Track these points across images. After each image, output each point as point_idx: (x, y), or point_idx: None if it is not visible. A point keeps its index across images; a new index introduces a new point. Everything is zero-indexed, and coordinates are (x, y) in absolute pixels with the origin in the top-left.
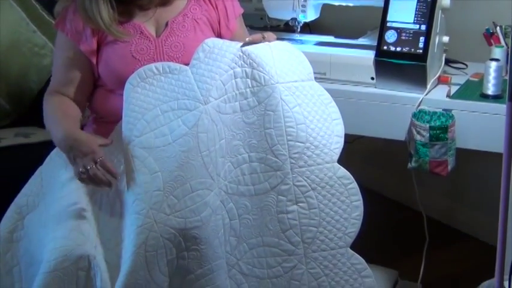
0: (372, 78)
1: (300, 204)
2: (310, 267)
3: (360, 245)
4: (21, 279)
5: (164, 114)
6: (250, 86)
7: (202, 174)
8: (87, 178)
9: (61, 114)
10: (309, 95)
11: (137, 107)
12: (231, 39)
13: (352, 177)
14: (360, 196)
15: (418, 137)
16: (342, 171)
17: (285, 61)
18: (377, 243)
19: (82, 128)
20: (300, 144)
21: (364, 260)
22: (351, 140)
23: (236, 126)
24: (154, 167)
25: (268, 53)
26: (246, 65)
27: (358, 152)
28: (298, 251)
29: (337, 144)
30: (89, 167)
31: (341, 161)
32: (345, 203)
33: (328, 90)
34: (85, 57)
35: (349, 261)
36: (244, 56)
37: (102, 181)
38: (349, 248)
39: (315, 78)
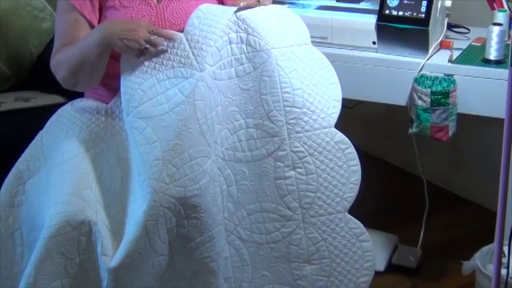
0: (374, 43)
1: (298, 169)
2: (309, 232)
3: (360, 210)
4: (23, 243)
5: (160, 83)
6: (245, 51)
7: (201, 142)
8: (149, 51)
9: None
10: (305, 59)
11: (133, 77)
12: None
13: (349, 142)
14: (357, 161)
15: (419, 102)
16: (340, 136)
17: (280, 25)
18: (377, 209)
19: (83, 92)
20: (296, 109)
21: (362, 225)
22: (351, 105)
23: (232, 92)
24: (153, 136)
25: (264, 18)
26: (241, 31)
27: (359, 117)
28: (296, 216)
29: (335, 109)
30: (151, 38)
31: (341, 126)
32: (342, 168)
33: (329, 54)
34: (88, 22)
35: (347, 226)
36: (239, 21)
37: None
38: (347, 213)
39: (316, 42)
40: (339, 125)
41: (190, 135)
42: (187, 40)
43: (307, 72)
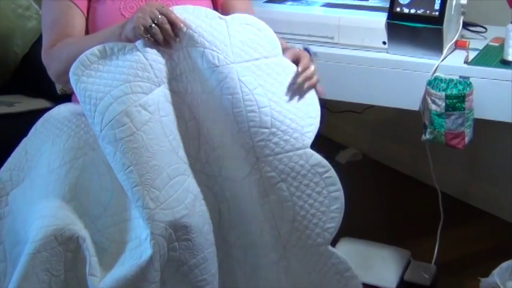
0: (384, 43)
1: (272, 196)
2: (293, 261)
3: (369, 223)
4: (6, 259)
5: (117, 100)
6: (205, 67)
7: (174, 160)
8: (155, 33)
9: (84, 37)
10: (273, 73)
11: (88, 98)
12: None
13: (328, 165)
14: (339, 186)
15: (433, 107)
16: (316, 158)
17: (243, 37)
18: (388, 222)
19: (70, 96)
20: (264, 130)
21: (346, 259)
22: (360, 110)
23: (205, 106)
24: (125, 161)
25: (223, 30)
26: (197, 44)
27: (368, 123)
28: (278, 246)
29: (310, 127)
30: (156, 15)
31: (349, 132)
32: (321, 194)
33: (336, 55)
34: (80, 9)
35: (330, 261)
36: (195, 34)
37: (167, 34)
38: (329, 246)
39: (322, 42)
40: (346, 131)
41: (164, 153)
42: (141, 52)
43: (276, 87)
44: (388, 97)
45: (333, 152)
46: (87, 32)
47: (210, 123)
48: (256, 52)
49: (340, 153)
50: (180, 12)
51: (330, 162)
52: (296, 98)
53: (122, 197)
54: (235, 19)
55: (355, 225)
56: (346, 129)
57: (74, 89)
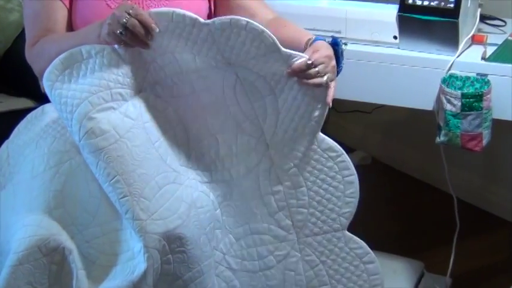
0: (395, 38)
1: (286, 183)
2: (305, 254)
3: (379, 232)
4: None
5: (97, 107)
6: (201, 67)
7: (162, 168)
8: (124, 37)
9: (65, 34)
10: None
11: (64, 105)
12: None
13: (340, 149)
14: (353, 170)
15: (448, 106)
16: (328, 142)
17: (232, 36)
18: (399, 231)
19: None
20: (274, 116)
21: (365, 244)
22: (369, 110)
23: (193, 109)
24: (111, 171)
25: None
26: (186, 47)
27: (378, 124)
28: (290, 236)
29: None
30: (124, 20)
31: (357, 133)
32: (335, 179)
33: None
34: (61, 4)
35: (347, 246)
36: (183, 39)
37: (140, 36)
38: (346, 231)
39: (328, 37)
40: (354, 133)
41: (151, 161)
42: (121, 54)
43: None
44: (399, 96)
45: None
46: (71, 26)
47: (200, 125)
48: (254, 60)
49: None
50: (159, 17)
51: None
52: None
53: (112, 204)
54: (217, 22)
55: (364, 234)
56: (354, 131)
57: (48, 95)
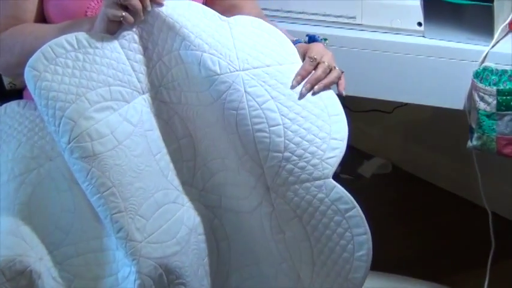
0: (419, 24)
1: (288, 233)
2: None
3: (402, 252)
4: None
5: (95, 106)
6: (203, 75)
7: (163, 184)
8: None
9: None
10: (289, 83)
11: (52, 100)
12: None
13: (353, 200)
14: (365, 228)
15: (481, 105)
16: (338, 191)
17: (250, 40)
18: (424, 251)
19: (21, 91)
20: (275, 154)
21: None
22: (389, 109)
23: (202, 121)
24: (105, 181)
25: (226, 32)
26: (193, 47)
27: (399, 126)
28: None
29: (334, 152)
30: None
31: (376, 137)
32: (344, 237)
33: (358, 40)
34: None
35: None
36: (192, 35)
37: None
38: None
39: (341, 23)
40: (372, 136)
41: (151, 175)
42: (123, 48)
43: (294, 101)
44: (424, 93)
45: (354, 163)
46: (41, 17)
47: (209, 142)
48: (268, 57)
49: (364, 164)
50: (174, 7)
51: (350, 176)
52: (318, 113)
53: (89, 220)
54: (239, 20)
55: (383, 255)
56: (372, 134)
57: (31, 88)
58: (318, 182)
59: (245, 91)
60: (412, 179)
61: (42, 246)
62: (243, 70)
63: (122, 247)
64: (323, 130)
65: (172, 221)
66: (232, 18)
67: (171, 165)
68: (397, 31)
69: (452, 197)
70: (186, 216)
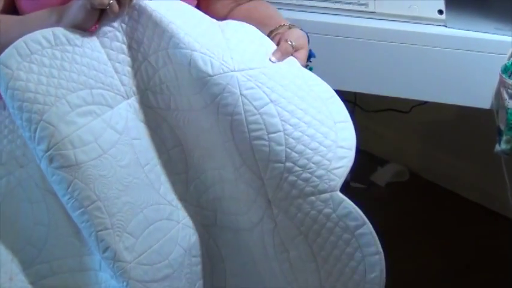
0: (440, 12)
1: (292, 252)
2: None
3: (423, 272)
4: None
5: (77, 109)
6: (194, 76)
7: (153, 198)
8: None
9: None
10: (292, 85)
11: (27, 103)
12: None
13: (362, 216)
14: (378, 247)
15: (510, 104)
16: (346, 206)
17: (244, 43)
18: (448, 270)
19: None
20: (276, 165)
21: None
22: (407, 109)
23: (195, 128)
24: (89, 194)
25: (217, 33)
26: (183, 45)
27: (418, 127)
28: None
29: (341, 162)
30: None
31: (393, 139)
32: (354, 258)
33: (371, 30)
34: None
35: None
36: (181, 32)
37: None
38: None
39: (353, 11)
40: (387, 139)
41: (139, 188)
42: (104, 47)
43: (296, 104)
44: (446, 90)
45: (367, 170)
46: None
47: (203, 152)
48: (265, 58)
49: (377, 171)
50: (160, 2)
51: (362, 184)
52: (321, 118)
53: (66, 235)
54: (230, 24)
55: (403, 275)
56: (387, 136)
57: (2, 88)
58: (323, 196)
59: (241, 94)
60: (432, 188)
61: (12, 264)
62: (238, 71)
63: (109, 268)
64: (328, 137)
65: (165, 241)
66: (223, 22)
67: (163, 178)
68: (415, 20)
69: (479, 208)
70: (181, 235)
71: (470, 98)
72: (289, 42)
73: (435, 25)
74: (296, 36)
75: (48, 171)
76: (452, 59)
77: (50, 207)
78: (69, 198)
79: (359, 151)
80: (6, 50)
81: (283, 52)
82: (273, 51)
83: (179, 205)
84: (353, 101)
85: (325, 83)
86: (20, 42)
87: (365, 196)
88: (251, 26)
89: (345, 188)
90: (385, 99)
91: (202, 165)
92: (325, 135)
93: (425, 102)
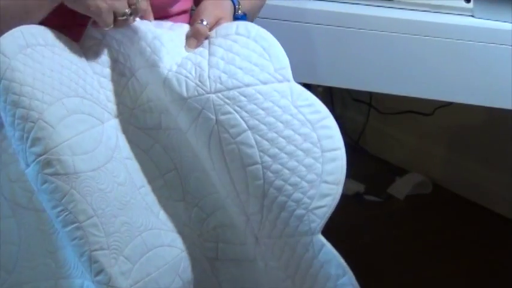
0: (467, 1)
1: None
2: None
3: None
4: None
5: (73, 116)
6: (168, 99)
7: (152, 222)
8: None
9: None
10: (276, 107)
11: (25, 97)
12: None
13: (343, 265)
14: None
15: None
16: (327, 252)
17: (230, 54)
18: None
19: None
20: (256, 200)
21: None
22: (429, 111)
23: (186, 148)
24: (86, 208)
25: (204, 47)
26: (161, 64)
27: (442, 131)
28: None
29: (324, 200)
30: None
31: (413, 145)
32: None
33: (391, 22)
34: None
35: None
36: (163, 49)
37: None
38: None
39: (371, 0)
40: (406, 146)
41: (137, 209)
42: (89, 60)
43: (278, 131)
44: (473, 90)
45: (384, 181)
46: None
47: (199, 175)
48: (248, 75)
49: (396, 181)
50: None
51: (379, 197)
52: (307, 147)
53: (40, 255)
54: (222, 30)
55: None
56: (406, 142)
57: None
58: (304, 239)
59: (216, 120)
60: (458, 201)
61: None
62: (214, 92)
63: None
64: (312, 171)
65: (165, 270)
66: (214, 30)
67: (162, 203)
68: (439, 10)
69: (509, 222)
70: (182, 265)
71: (501, 98)
72: (199, 22)
73: (461, 15)
74: (208, 12)
75: (38, 177)
76: (479, 54)
77: (21, 223)
78: (61, 211)
79: (374, 159)
80: (4, 36)
81: (195, 35)
82: (271, 51)
83: (183, 232)
84: (368, 102)
85: (318, 101)
86: (17, 31)
87: (381, 211)
88: (247, 24)
89: (358, 202)
90: (404, 100)
91: (200, 191)
92: (308, 169)
93: (450, 104)
